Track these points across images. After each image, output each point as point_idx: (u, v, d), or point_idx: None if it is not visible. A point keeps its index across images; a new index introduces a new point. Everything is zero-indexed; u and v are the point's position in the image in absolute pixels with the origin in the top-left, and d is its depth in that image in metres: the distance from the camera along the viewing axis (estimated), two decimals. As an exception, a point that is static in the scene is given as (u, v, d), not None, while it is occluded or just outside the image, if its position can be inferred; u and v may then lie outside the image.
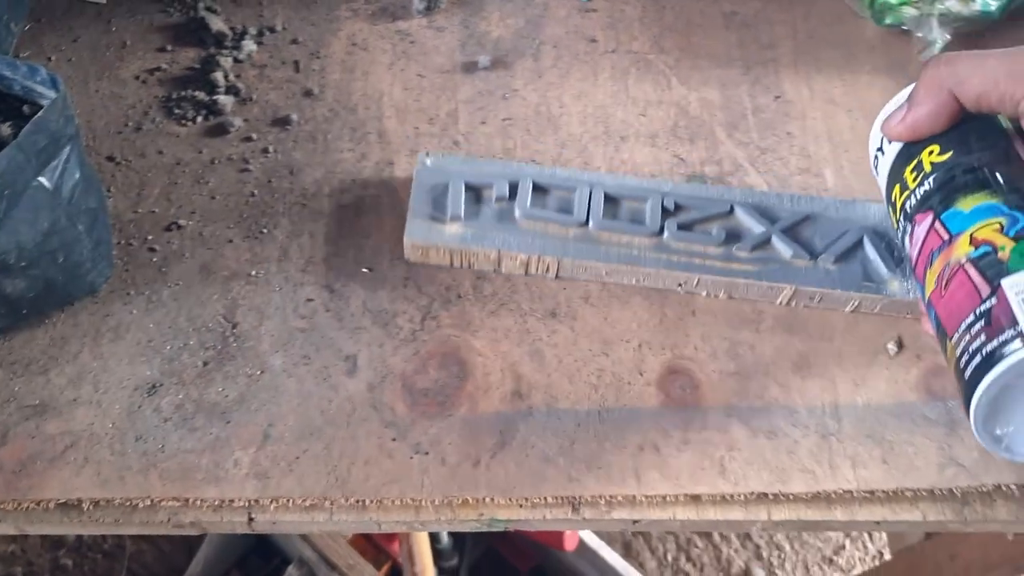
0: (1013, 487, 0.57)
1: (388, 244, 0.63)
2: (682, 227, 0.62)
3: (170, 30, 0.74)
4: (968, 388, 0.45)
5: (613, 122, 0.70)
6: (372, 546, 1.31)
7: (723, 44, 0.75)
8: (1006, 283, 0.44)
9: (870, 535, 1.67)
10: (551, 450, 0.56)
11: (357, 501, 0.54)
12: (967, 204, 0.48)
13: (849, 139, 0.70)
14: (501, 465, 0.55)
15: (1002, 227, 0.46)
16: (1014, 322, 0.43)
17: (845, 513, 0.56)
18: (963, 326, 0.46)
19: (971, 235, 0.47)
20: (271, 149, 0.67)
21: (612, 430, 0.57)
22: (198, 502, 0.54)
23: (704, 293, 0.62)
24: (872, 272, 0.61)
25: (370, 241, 0.63)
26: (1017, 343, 0.43)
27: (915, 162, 0.53)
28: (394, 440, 0.56)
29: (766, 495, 0.56)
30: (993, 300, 0.45)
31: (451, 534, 1.33)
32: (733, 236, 0.62)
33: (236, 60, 0.72)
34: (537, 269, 0.62)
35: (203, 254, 0.63)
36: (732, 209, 0.63)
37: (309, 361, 0.59)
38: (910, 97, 0.53)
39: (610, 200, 0.63)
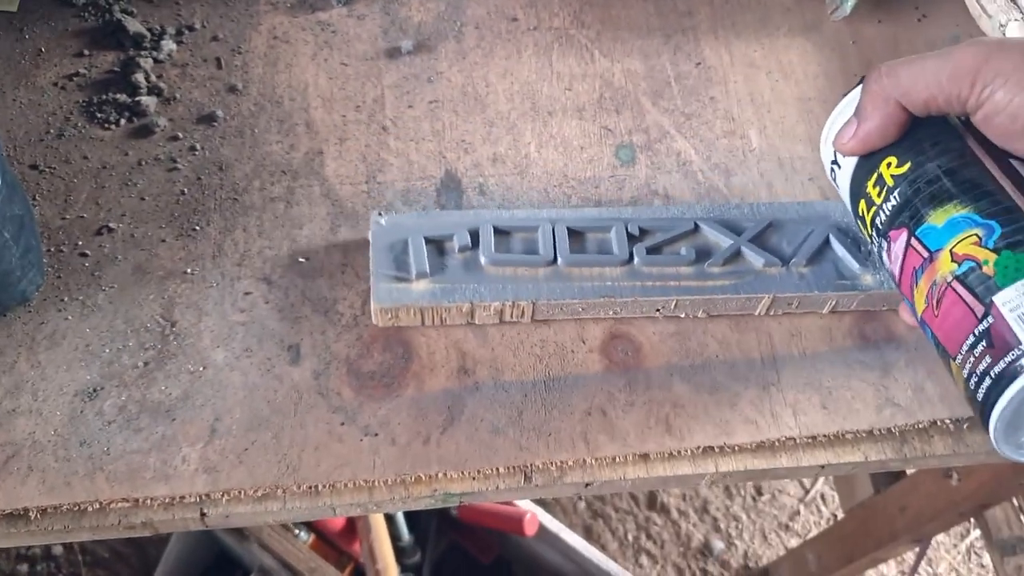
0: (948, 422, 0.59)
1: (322, 232, 0.63)
2: (651, 251, 0.61)
3: (86, 34, 0.73)
4: (984, 410, 0.44)
5: (540, 98, 0.70)
6: (333, 549, 1.30)
7: (642, 15, 0.76)
8: (998, 300, 0.43)
9: (823, 499, 1.70)
10: (500, 422, 0.57)
11: (310, 487, 0.54)
12: (939, 218, 0.47)
13: (770, 100, 0.72)
14: (451, 440, 0.56)
15: (980, 239, 0.45)
16: (1017, 341, 0.42)
17: (790, 460, 0.58)
18: (965, 348, 0.45)
19: (951, 251, 0.46)
20: (198, 147, 0.67)
21: (559, 398, 0.58)
22: (148, 501, 0.53)
23: (683, 315, 0.62)
24: (844, 269, 0.62)
25: (304, 231, 0.63)
26: None
27: (876, 176, 0.51)
28: (343, 424, 0.56)
29: (712, 448, 0.57)
30: (989, 319, 0.43)
31: (412, 530, 1.32)
32: (703, 253, 0.61)
33: (156, 60, 0.71)
34: (512, 315, 0.60)
35: (136, 256, 0.62)
36: (697, 227, 0.63)
37: (252, 353, 0.58)
38: (857, 111, 0.52)
39: (574, 234, 0.62)
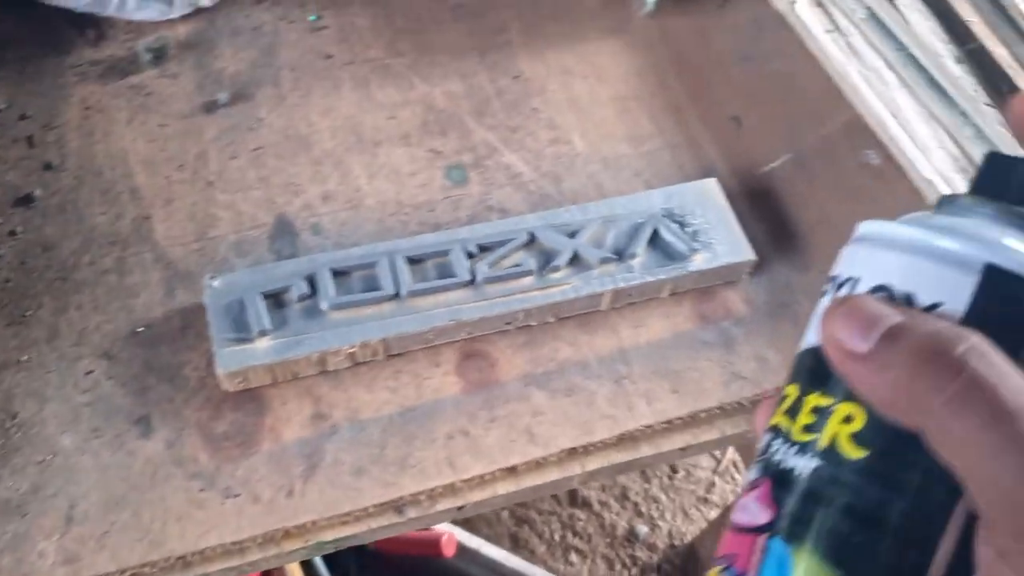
0: (792, 386, 0.61)
1: (159, 298, 0.62)
2: (492, 266, 0.62)
3: None
4: None
5: (364, 130, 0.71)
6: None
7: (455, 36, 0.77)
8: None
9: (735, 466, 1.75)
10: (362, 461, 0.57)
11: (178, 559, 0.53)
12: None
13: (589, 103, 0.74)
14: (315, 488, 0.56)
15: None
16: None
17: (651, 447, 0.59)
18: None
19: None
20: (18, 230, 0.65)
21: (419, 428, 0.58)
22: (7, 605, 0.51)
23: (533, 323, 0.62)
24: (674, 253, 0.64)
25: (140, 300, 0.62)
26: None
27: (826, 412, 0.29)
28: (202, 490, 0.55)
29: (576, 449, 0.58)
30: None
31: (332, 572, 1.31)
32: (543, 260, 0.62)
33: (-37, 147, 0.69)
34: (364, 356, 0.60)
35: (-35, 352, 0.60)
36: (532, 236, 0.64)
37: (101, 433, 0.57)
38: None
39: (414, 262, 0.62)
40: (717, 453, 1.78)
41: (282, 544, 0.55)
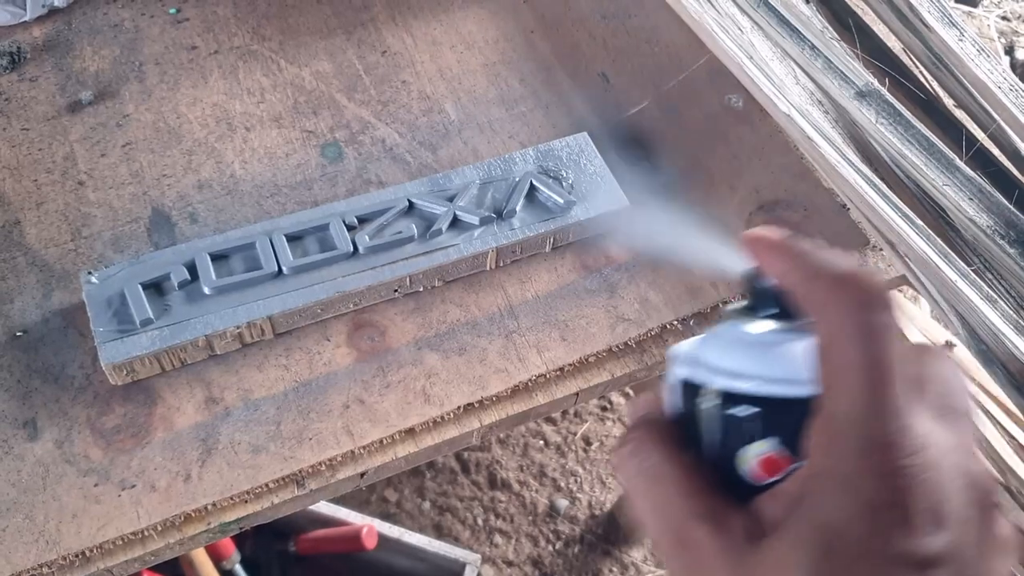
0: (676, 323, 0.63)
1: (36, 300, 0.61)
2: (373, 236, 0.62)
3: None
4: None
5: (234, 117, 0.70)
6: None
7: (320, 17, 0.77)
8: None
9: (649, 432, 1.78)
10: (259, 439, 0.57)
11: (77, 556, 0.53)
12: None
13: (459, 72, 0.75)
14: (213, 471, 0.55)
15: None
16: None
17: (545, 395, 0.61)
18: None
19: None
20: None
21: (314, 401, 0.58)
22: (-100, 623, 0.50)
23: (421, 288, 0.63)
24: (553, 207, 0.65)
25: (16, 304, 0.61)
26: None
27: None
28: (97, 485, 0.54)
29: (472, 405, 0.59)
30: None
31: (252, 574, 1.29)
32: (422, 227, 0.63)
33: None
34: (252, 336, 0.60)
35: None
36: (410, 204, 0.64)
37: (-15, 442, 0.56)
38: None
39: (294, 239, 0.62)
40: (628, 421, 1.81)
41: (183, 529, 0.54)
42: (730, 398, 0.32)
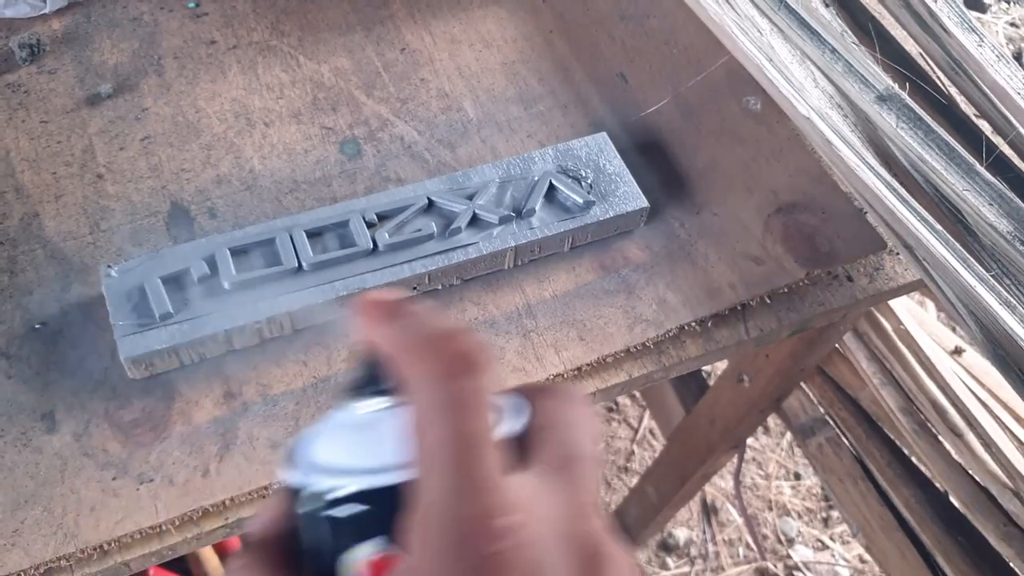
0: (694, 324, 0.63)
1: (55, 293, 0.61)
2: (393, 234, 0.62)
3: None
4: None
5: (253, 112, 0.70)
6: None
7: (339, 13, 0.77)
8: None
9: (653, 434, 1.78)
10: (277, 435, 0.57)
11: (95, 549, 0.53)
12: None
13: (478, 70, 0.75)
14: (231, 466, 0.55)
15: None
16: None
17: (563, 396, 0.60)
18: None
19: None
20: (-100, 238, 0.63)
21: (332, 397, 0.58)
22: (-81, 613, 0.50)
23: (439, 286, 0.63)
24: (572, 207, 0.65)
25: (35, 296, 0.61)
26: None
27: None
28: (115, 479, 0.54)
29: (489, 405, 0.59)
30: None
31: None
32: (442, 225, 0.63)
33: None
34: (271, 332, 0.60)
35: None
36: (430, 202, 0.64)
37: (4, 433, 0.56)
38: None
39: (314, 235, 0.62)
40: (634, 422, 1.81)
41: (201, 524, 0.54)
42: (333, 498, 0.28)
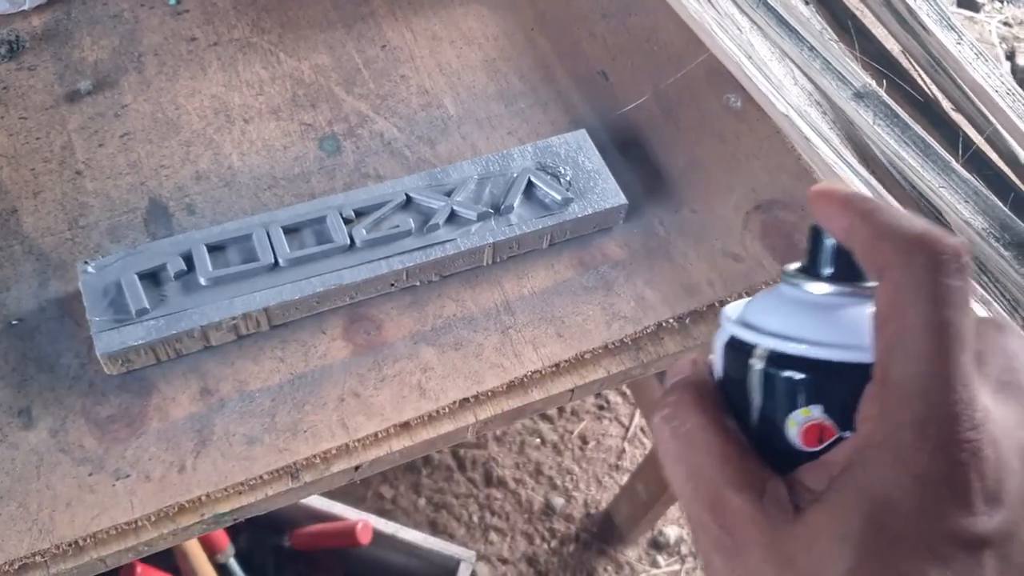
0: (672, 321, 0.63)
1: (32, 289, 0.61)
2: (370, 230, 0.62)
3: None
4: None
5: (233, 108, 0.70)
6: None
7: (320, 10, 0.77)
8: None
9: (643, 432, 1.79)
10: (254, 431, 0.57)
11: (70, 545, 0.52)
12: None
13: (459, 67, 0.75)
14: (207, 462, 0.55)
15: None
16: None
17: (541, 391, 0.61)
18: None
19: None
20: None
21: (309, 393, 0.58)
22: None
23: (417, 283, 0.63)
24: (551, 204, 0.65)
25: (12, 293, 0.61)
26: None
27: None
28: (91, 474, 0.54)
29: (467, 400, 0.59)
30: None
31: (247, 569, 1.29)
32: (420, 222, 0.63)
33: None
34: (248, 328, 0.60)
35: None
36: (408, 198, 0.64)
37: (-21, 430, 0.56)
38: None
39: (291, 231, 0.62)
40: (625, 420, 1.81)
41: (177, 520, 0.54)
42: (779, 361, 0.30)
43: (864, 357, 0.29)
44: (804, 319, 0.31)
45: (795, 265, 0.33)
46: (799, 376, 0.30)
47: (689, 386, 0.32)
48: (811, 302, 0.31)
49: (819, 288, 0.32)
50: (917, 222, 0.28)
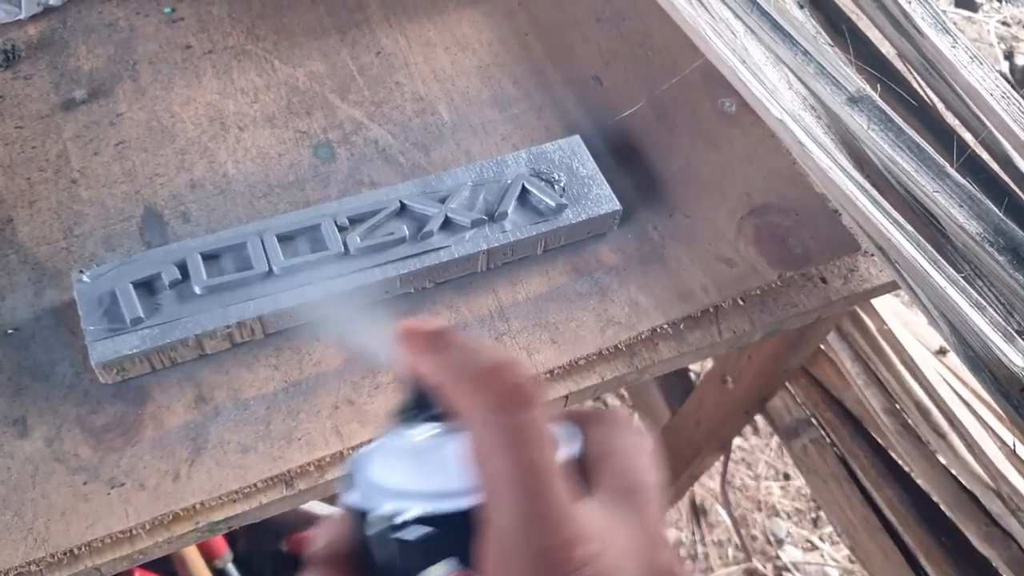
0: (666, 327, 0.63)
1: (27, 298, 0.61)
2: (364, 237, 0.62)
3: None
4: None
5: (227, 116, 0.71)
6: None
7: (314, 17, 0.77)
8: None
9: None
10: (248, 439, 0.57)
11: (65, 554, 0.53)
12: None
13: (453, 73, 0.75)
14: (202, 470, 0.55)
15: None
16: None
17: (534, 399, 0.61)
18: None
19: None
20: None
21: (303, 401, 0.59)
22: None
23: (412, 290, 0.63)
24: (545, 210, 0.65)
25: (7, 302, 0.61)
26: None
27: None
28: (86, 483, 0.54)
29: (461, 408, 0.59)
30: None
31: (244, 573, 1.29)
32: (414, 229, 0.63)
33: None
34: (242, 336, 0.60)
35: None
36: (402, 205, 0.64)
37: (-25, 439, 0.56)
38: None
39: (285, 239, 0.62)
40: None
41: (172, 528, 0.54)
42: (398, 525, 0.29)
43: (477, 500, 0.28)
44: (415, 469, 0.30)
45: (401, 407, 0.32)
46: (422, 533, 0.29)
47: (327, 560, 0.31)
48: (418, 449, 0.30)
49: (424, 431, 0.31)
50: (483, 361, 0.28)
